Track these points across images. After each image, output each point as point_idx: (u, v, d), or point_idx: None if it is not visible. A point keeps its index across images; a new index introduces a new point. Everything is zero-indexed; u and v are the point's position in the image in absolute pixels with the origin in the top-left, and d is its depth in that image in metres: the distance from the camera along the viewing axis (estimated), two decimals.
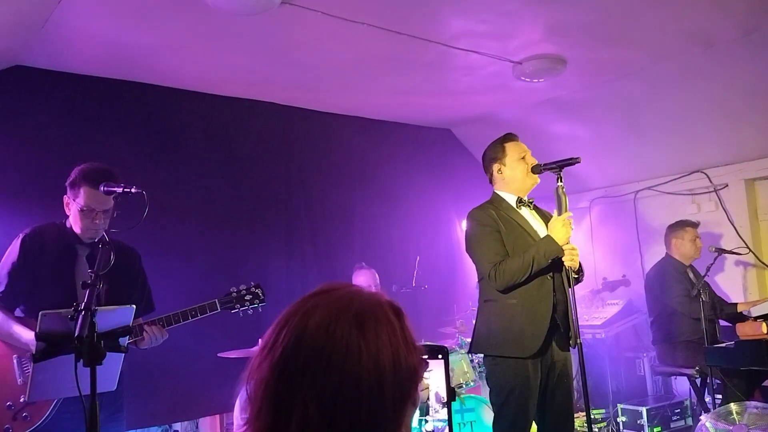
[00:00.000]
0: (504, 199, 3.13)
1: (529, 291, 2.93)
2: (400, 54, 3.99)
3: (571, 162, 2.92)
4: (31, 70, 3.86)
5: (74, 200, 2.58)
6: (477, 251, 3.04)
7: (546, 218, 3.14)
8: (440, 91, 4.87)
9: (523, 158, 3.11)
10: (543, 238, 2.94)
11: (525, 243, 2.97)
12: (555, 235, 2.88)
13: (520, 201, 3.10)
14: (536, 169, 3.07)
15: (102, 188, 2.42)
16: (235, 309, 2.87)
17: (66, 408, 2.45)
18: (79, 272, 2.61)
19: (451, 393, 2.48)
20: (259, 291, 2.90)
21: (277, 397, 0.89)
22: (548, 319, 2.91)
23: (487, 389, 4.12)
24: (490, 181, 3.23)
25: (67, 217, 2.67)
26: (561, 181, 2.95)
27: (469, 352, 3.20)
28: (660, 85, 4.55)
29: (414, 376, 0.93)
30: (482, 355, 3.57)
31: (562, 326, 2.95)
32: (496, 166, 3.15)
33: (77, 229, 2.62)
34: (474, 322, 3.16)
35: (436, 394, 3.97)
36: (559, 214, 2.93)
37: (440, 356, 2.49)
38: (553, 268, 2.95)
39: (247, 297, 2.88)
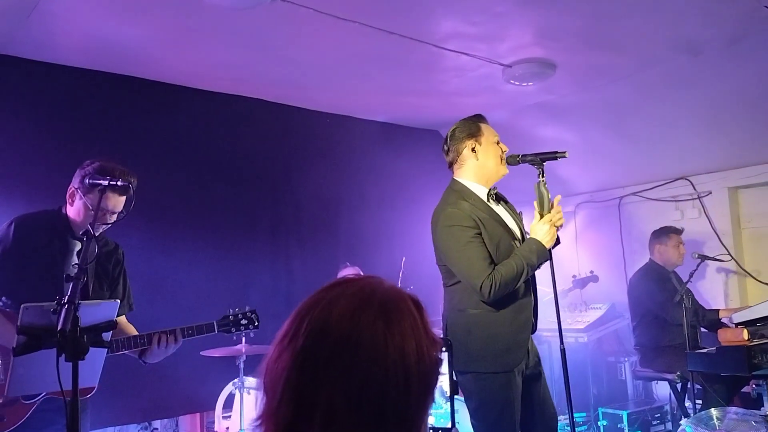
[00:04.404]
0: (472, 192, 2.71)
1: (511, 299, 2.59)
2: (390, 54, 3.99)
3: (555, 155, 2.60)
4: (17, 60, 3.80)
5: (87, 195, 2.50)
6: (462, 261, 2.59)
7: (514, 212, 2.82)
8: (429, 92, 4.87)
9: (497, 143, 2.75)
10: (530, 242, 2.61)
11: (508, 245, 2.62)
12: (542, 239, 2.59)
13: (490, 194, 2.72)
14: (512, 160, 2.71)
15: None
16: (231, 332, 2.95)
17: (43, 406, 2.40)
18: (69, 268, 2.55)
19: (455, 386, 2.46)
20: (254, 316, 3.00)
21: (299, 389, 0.85)
22: (530, 325, 2.66)
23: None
24: (452, 163, 2.80)
25: (65, 204, 2.58)
26: (543, 176, 2.62)
27: (454, 371, 2.63)
28: (647, 91, 4.59)
29: (435, 368, 0.91)
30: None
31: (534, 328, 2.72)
32: (470, 143, 2.71)
33: (80, 220, 2.54)
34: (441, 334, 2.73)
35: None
36: (542, 213, 2.63)
37: (443, 349, 2.45)
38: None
39: (243, 321, 2.97)
